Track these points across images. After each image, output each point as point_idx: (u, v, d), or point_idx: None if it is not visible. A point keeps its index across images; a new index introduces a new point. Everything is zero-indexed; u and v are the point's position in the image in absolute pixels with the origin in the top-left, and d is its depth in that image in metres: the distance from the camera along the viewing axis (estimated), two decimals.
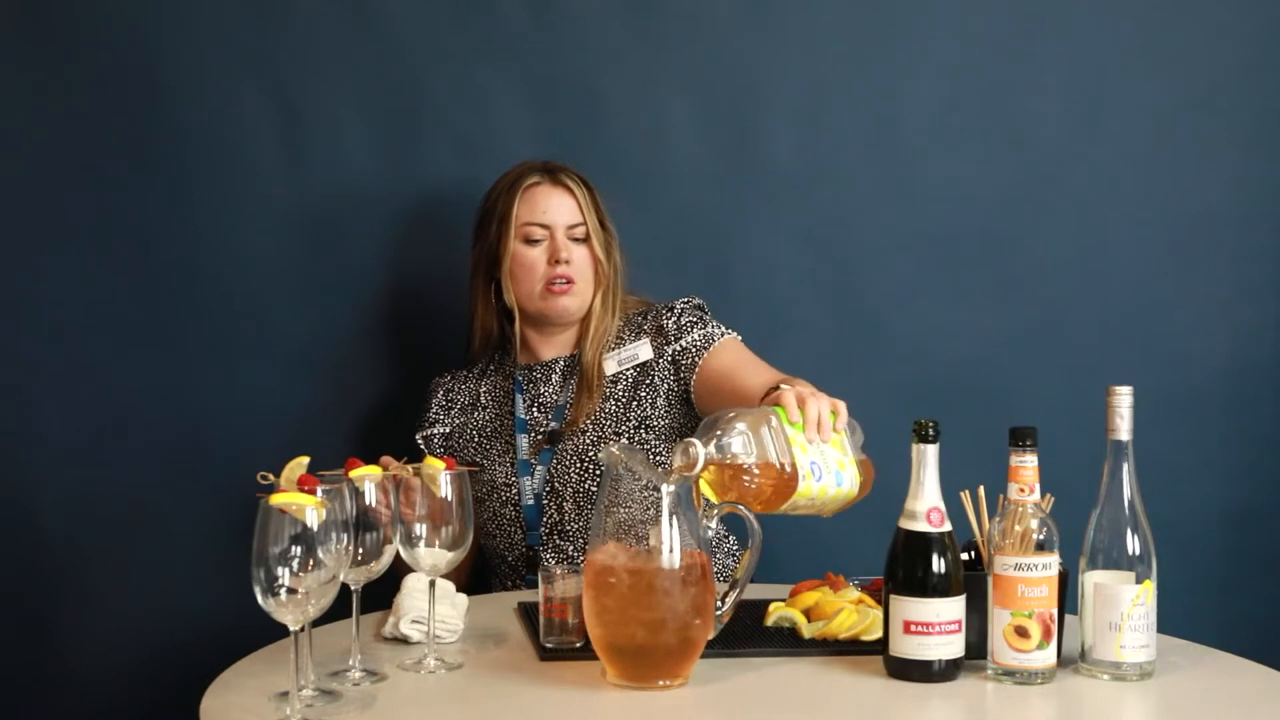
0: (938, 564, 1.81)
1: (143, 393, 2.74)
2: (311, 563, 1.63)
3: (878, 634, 1.93)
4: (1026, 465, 1.83)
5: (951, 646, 1.82)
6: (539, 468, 2.46)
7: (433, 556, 1.89)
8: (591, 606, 1.80)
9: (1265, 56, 2.87)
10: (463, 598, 2.08)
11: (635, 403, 2.47)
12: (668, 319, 2.51)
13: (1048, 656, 1.82)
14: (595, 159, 2.81)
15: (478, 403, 2.57)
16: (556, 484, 2.44)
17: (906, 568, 1.83)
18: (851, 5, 2.83)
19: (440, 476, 1.88)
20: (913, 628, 1.81)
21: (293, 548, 1.62)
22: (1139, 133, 2.86)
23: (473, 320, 2.56)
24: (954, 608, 1.82)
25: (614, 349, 2.52)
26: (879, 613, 1.92)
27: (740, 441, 1.87)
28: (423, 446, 2.56)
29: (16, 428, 2.73)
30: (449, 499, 1.88)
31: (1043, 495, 1.85)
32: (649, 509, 1.79)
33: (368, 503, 1.84)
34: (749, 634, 2.02)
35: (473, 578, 2.56)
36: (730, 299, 2.83)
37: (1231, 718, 1.80)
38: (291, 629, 1.66)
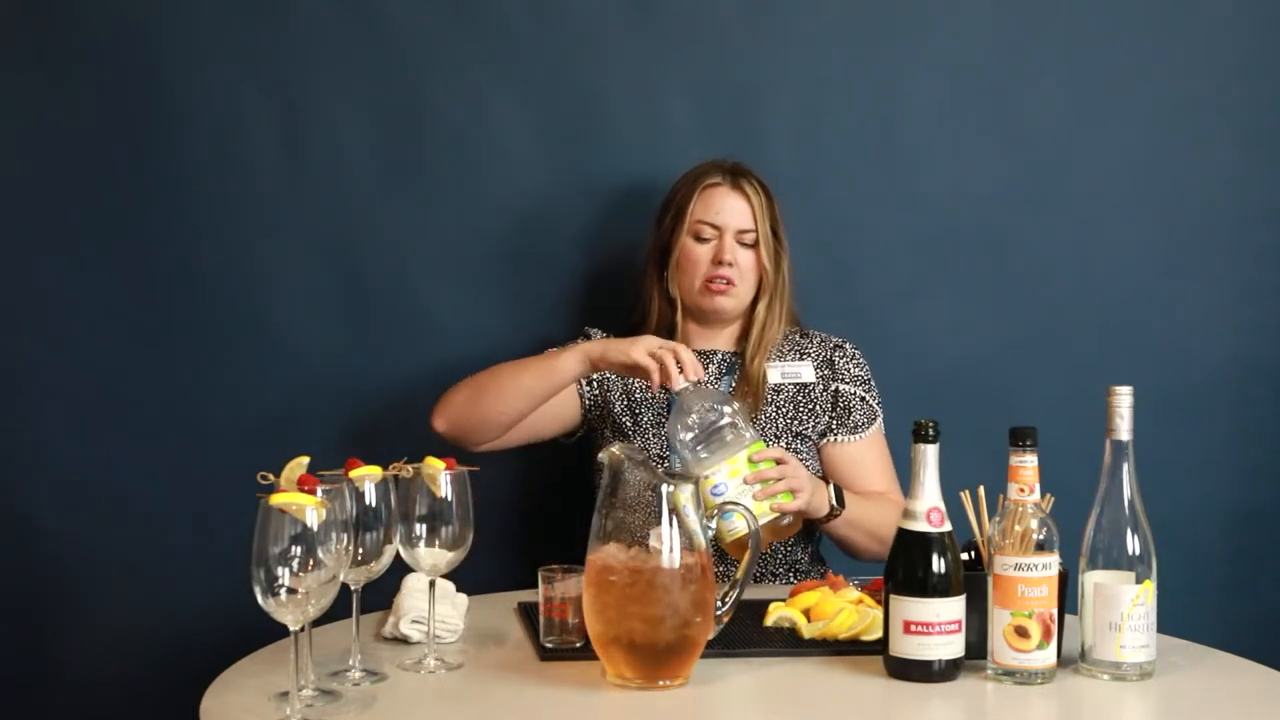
0: (938, 564, 1.82)
1: (142, 392, 2.74)
2: (311, 563, 1.63)
3: (878, 634, 1.93)
4: (1026, 465, 1.83)
5: (951, 646, 1.82)
6: None
7: (433, 556, 1.89)
8: (592, 605, 1.81)
9: (1265, 56, 2.87)
10: (463, 598, 2.08)
11: (795, 419, 2.52)
12: (839, 358, 2.59)
13: (1048, 656, 1.82)
14: (595, 159, 2.81)
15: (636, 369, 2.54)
16: None
17: (906, 568, 1.83)
18: (851, 5, 2.83)
19: (440, 476, 1.88)
20: (913, 628, 1.81)
21: (293, 548, 1.62)
22: (1139, 133, 2.86)
23: (647, 303, 2.62)
24: (954, 608, 1.82)
25: (777, 360, 2.58)
26: (879, 613, 1.92)
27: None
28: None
29: (16, 427, 2.73)
30: (449, 499, 1.88)
31: (1043, 495, 1.85)
32: (649, 509, 1.79)
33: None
34: (749, 634, 2.02)
35: None
36: None
37: (1231, 718, 1.80)
38: (291, 629, 1.66)
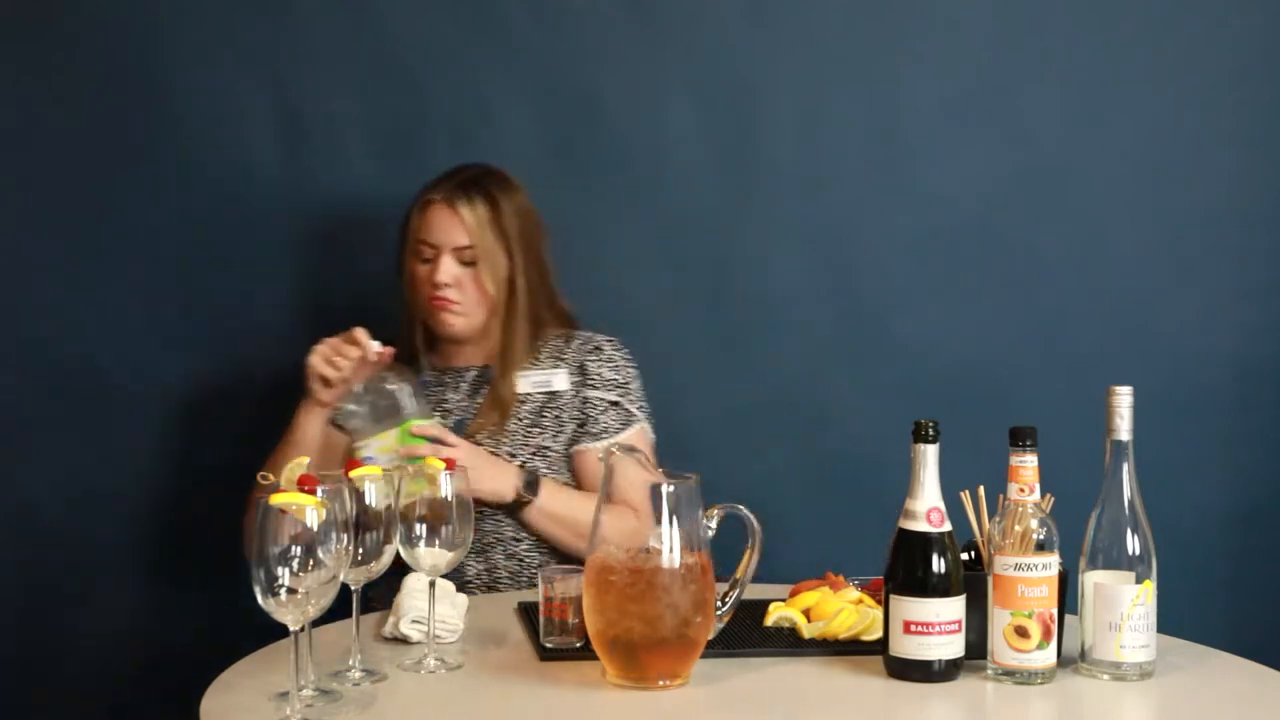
0: (938, 564, 1.82)
1: (143, 391, 2.74)
2: (311, 563, 1.63)
3: (878, 634, 1.93)
4: (1026, 465, 1.83)
5: (951, 646, 1.82)
6: None
7: (433, 556, 1.89)
8: (592, 604, 1.81)
9: (1265, 56, 2.87)
10: (463, 598, 2.08)
11: (537, 429, 2.47)
12: (593, 362, 2.52)
13: (1048, 656, 1.82)
14: (595, 159, 2.81)
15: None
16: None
17: (906, 568, 1.83)
18: (851, 5, 2.83)
19: (440, 477, 1.88)
20: (913, 628, 1.81)
21: (293, 548, 1.62)
22: (1139, 132, 2.86)
23: (400, 322, 2.55)
24: (954, 608, 1.82)
25: (528, 369, 2.51)
26: (879, 613, 1.92)
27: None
28: (332, 419, 2.47)
29: (16, 427, 2.73)
30: (449, 499, 1.88)
31: (1043, 495, 1.85)
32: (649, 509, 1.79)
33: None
34: (749, 634, 2.02)
35: None
36: (730, 299, 2.84)
37: (1231, 718, 1.80)
38: (291, 629, 1.66)
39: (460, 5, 2.78)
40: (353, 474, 1.83)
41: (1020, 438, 1.83)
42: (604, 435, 2.47)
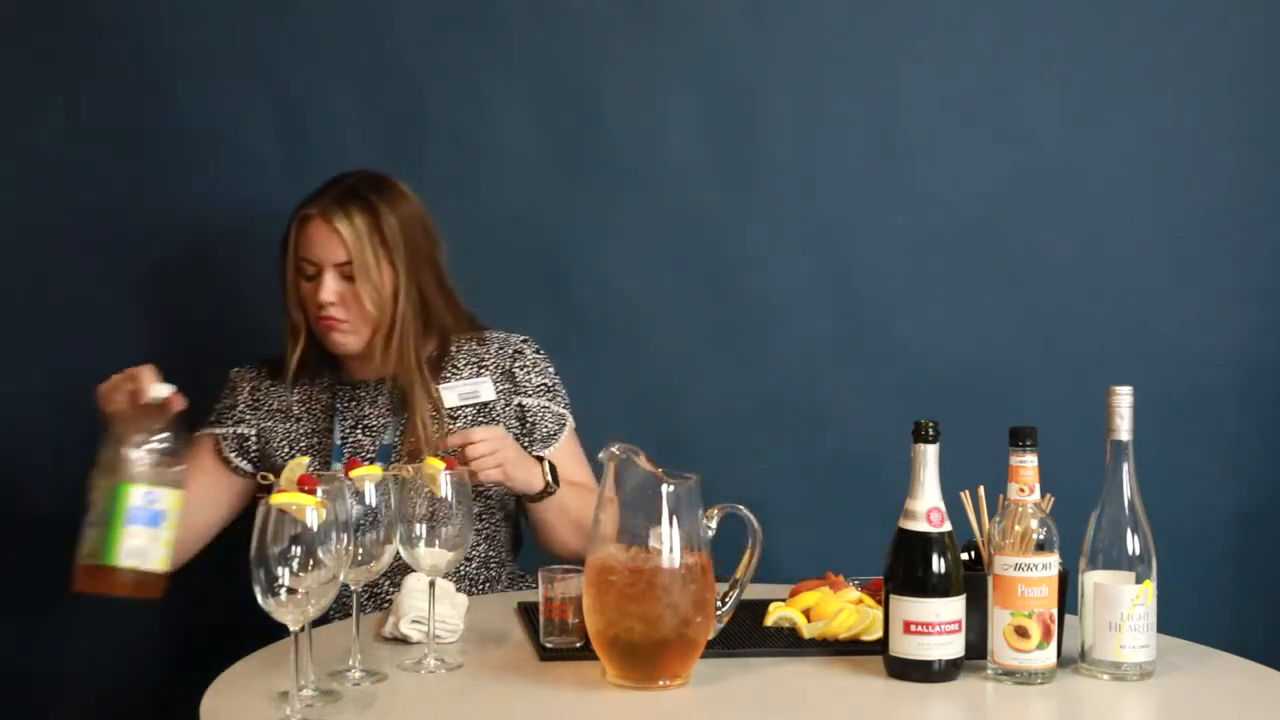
0: (938, 564, 1.82)
1: None
2: (311, 563, 1.63)
3: (878, 634, 1.93)
4: (1026, 465, 1.83)
5: (951, 646, 1.82)
6: None
7: (433, 556, 1.89)
8: (592, 604, 1.81)
9: (1265, 56, 2.87)
10: (463, 598, 2.08)
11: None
12: (519, 368, 2.46)
13: (1048, 656, 1.82)
14: (595, 159, 2.81)
15: (289, 412, 2.44)
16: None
17: (906, 568, 1.83)
18: (851, 5, 2.83)
19: (440, 476, 1.88)
20: (913, 628, 1.81)
21: (293, 548, 1.62)
22: (1139, 132, 2.86)
23: (285, 335, 2.43)
24: (954, 608, 1.82)
25: (451, 379, 2.43)
26: (879, 613, 1.92)
27: None
28: (219, 446, 2.41)
29: (16, 427, 2.73)
30: (449, 499, 1.88)
31: (1043, 495, 1.85)
32: (649, 509, 1.79)
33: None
34: (749, 634, 2.02)
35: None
36: (730, 299, 2.84)
37: (1231, 718, 1.80)
38: (291, 629, 1.66)
39: (460, 5, 2.78)
40: (353, 474, 1.84)
41: (1020, 438, 1.83)
42: (550, 441, 2.44)
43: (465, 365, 2.46)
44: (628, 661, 1.80)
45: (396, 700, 1.78)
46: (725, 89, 2.82)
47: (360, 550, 1.82)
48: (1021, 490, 1.83)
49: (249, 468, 2.42)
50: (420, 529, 1.88)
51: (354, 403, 2.44)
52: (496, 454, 2.22)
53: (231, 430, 2.44)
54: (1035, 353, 2.85)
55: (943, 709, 1.80)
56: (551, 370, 2.51)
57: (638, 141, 2.82)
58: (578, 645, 1.93)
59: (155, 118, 2.73)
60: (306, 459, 1.81)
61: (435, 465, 1.89)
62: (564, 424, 2.48)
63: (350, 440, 2.41)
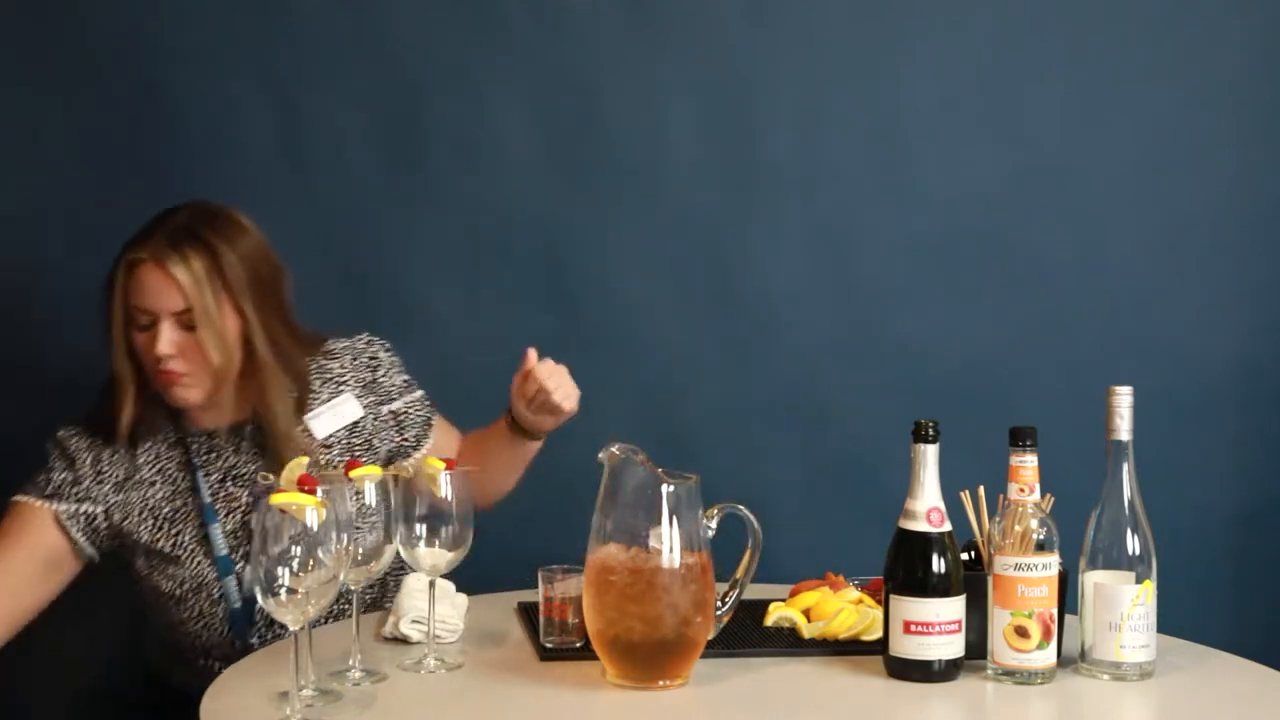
0: (938, 564, 1.81)
1: None
2: (311, 563, 1.63)
3: (878, 634, 1.93)
4: (1026, 465, 1.83)
5: (951, 646, 1.82)
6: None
7: (433, 556, 1.89)
8: (592, 605, 1.81)
9: (1265, 56, 2.87)
10: (462, 598, 2.08)
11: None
12: (380, 376, 2.31)
13: (1048, 656, 1.82)
14: (595, 159, 2.81)
15: (139, 478, 2.22)
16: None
17: (906, 568, 1.83)
18: (851, 5, 2.83)
19: (440, 476, 1.88)
20: (913, 628, 1.81)
21: (293, 548, 1.62)
22: (1139, 132, 2.86)
23: (119, 385, 2.18)
24: (954, 608, 1.82)
25: (314, 406, 2.26)
26: (879, 613, 1.92)
27: None
28: (63, 524, 2.19)
29: (16, 427, 2.73)
30: (449, 499, 1.88)
31: (1043, 495, 1.85)
32: (649, 509, 1.79)
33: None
34: (749, 634, 2.02)
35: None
36: (730, 299, 2.84)
37: (1231, 718, 1.80)
38: (291, 629, 1.66)
39: (460, 5, 2.78)
40: (353, 474, 1.84)
41: (1020, 438, 1.83)
42: (423, 441, 2.34)
43: (323, 387, 2.28)
44: (628, 661, 1.80)
45: (396, 700, 1.78)
46: (725, 89, 2.82)
47: (360, 550, 1.82)
48: (1021, 490, 1.83)
49: (92, 551, 2.22)
50: (420, 529, 1.88)
51: (213, 454, 2.24)
52: (565, 382, 2.21)
53: (76, 508, 2.20)
54: (1035, 353, 2.85)
55: (943, 709, 1.80)
56: (399, 360, 2.36)
57: (638, 141, 2.82)
58: (578, 645, 1.93)
59: (155, 118, 2.73)
60: (306, 459, 1.81)
61: (435, 465, 1.89)
62: (429, 407, 2.37)
63: (222, 494, 2.22)
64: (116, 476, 2.22)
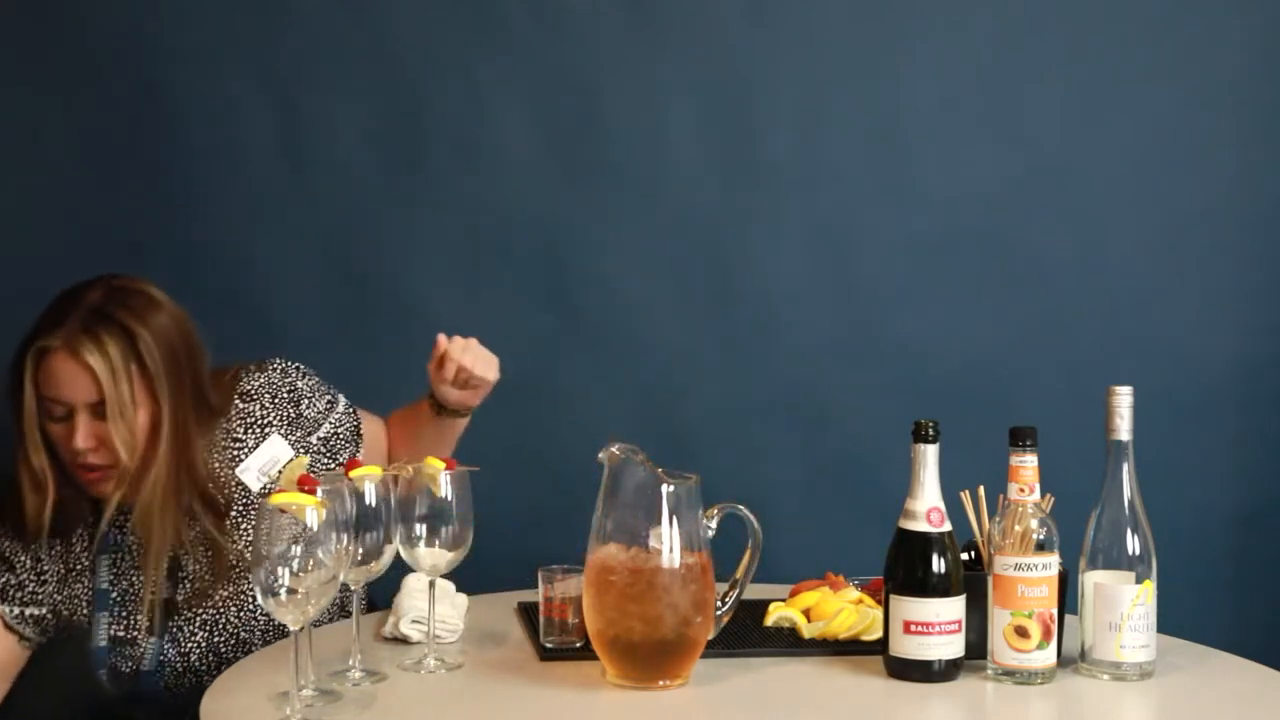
0: (938, 564, 1.82)
1: None
2: (311, 563, 1.63)
3: (878, 634, 1.93)
4: (1026, 465, 1.83)
5: (951, 646, 1.82)
6: (165, 643, 2.13)
7: (433, 556, 1.89)
8: (591, 605, 1.81)
9: (1265, 56, 2.87)
10: (462, 598, 2.08)
11: None
12: (305, 409, 2.23)
13: (1048, 656, 1.82)
14: (595, 159, 2.81)
15: (78, 567, 2.14)
16: (195, 659, 2.13)
17: (906, 568, 1.83)
18: (851, 5, 2.83)
19: (440, 476, 1.88)
20: (913, 628, 1.81)
21: (293, 548, 1.62)
22: (1139, 132, 2.86)
23: (37, 477, 2.05)
24: (954, 608, 1.82)
25: (241, 457, 2.17)
26: (879, 613, 1.93)
27: None
28: (12, 628, 2.12)
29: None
30: (449, 499, 1.88)
31: (1043, 495, 1.85)
32: (649, 509, 1.79)
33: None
34: (749, 634, 2.02)
35: None
36: (730, 299, 2.84)
37: (1231, 718, 1.80)
38: (291, 629, 1.66)
39: (460, 5, 2.78)
40: (353, 474, 1.83)
41: (1020, 438, 1.83)
42: (356, 436, 2.32)
43: (247, 433, 2.19)
44: (628, 661, 1.80)
45: (396, 700, 1.78)
46: (725, 89, 2.82)
47: (360, 550, 1.82)
48: (1021, 490, 1.83)
49: (41, 639, 2.15)
50: (420, 529, 1.88)
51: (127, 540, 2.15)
52: (481, 354, 2.24)
53: (23, 611, 2.13)
54: (1035, 353, 2.85)
55: (943, 709, 1.80)
56: (315, 379, 2.29)
57: (638, 141, 2.82)
58: (578, 645, 1.93)
59: (155, 118, 2.73)
60: (306, 459, 1.81)
61: (435, 465, 1.89)
62: (352, 411, 2.32)
63: (128, 585, 2.14)
64: (58, 572, 2.14)
